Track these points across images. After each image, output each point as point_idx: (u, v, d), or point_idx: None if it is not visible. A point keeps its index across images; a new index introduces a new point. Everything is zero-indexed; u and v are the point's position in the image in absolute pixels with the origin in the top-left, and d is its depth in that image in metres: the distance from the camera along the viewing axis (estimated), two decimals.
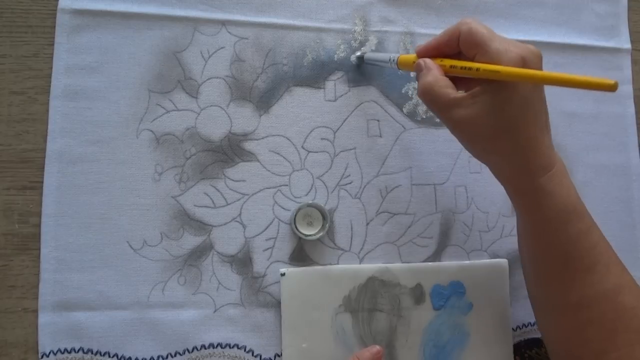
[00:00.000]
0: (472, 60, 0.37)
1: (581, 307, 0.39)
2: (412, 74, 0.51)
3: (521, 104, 0.36)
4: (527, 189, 0.38)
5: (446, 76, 0.38)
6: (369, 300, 0.47)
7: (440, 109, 0.38)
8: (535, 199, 0.38)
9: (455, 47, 0.38)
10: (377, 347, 0.42)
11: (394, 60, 0.44)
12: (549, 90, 0.38)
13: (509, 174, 0.39)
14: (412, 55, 0.42)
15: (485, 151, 0.39)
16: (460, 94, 0.37)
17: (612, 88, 0.30)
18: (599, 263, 0.38)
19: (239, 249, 0.46)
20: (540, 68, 0.37)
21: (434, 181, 0.50)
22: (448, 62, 0.38)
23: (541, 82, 0.33)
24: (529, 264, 0.43)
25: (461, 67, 0.37)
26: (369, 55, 0.48)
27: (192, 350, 0.45)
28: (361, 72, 0.50)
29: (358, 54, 0.49)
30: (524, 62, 0.34)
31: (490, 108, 0.35)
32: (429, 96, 0.38)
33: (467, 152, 0.51)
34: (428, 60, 0.39)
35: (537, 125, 0.37)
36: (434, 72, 0.38)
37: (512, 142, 0.36)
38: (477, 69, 0.35)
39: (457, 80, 0.38)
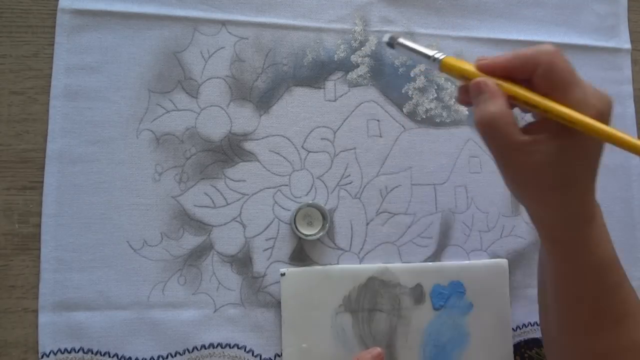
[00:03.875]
0: (547, 95, 0.33)
1: (607, 357, 0.38)
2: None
3: (586, 158, 0.33)
4: (568, 239, 0.36)
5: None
6: (369, 300, 0.47)
7: (498, 148, 0.34)
8: (574, 249, 0.36)
9: (526, 75, 0.33)
10: (377, 349, 0.42)
11: (437, 59, 0.37)
12: None
13: (552, 223, 0.36)
14: (465, 63, 0.36)
15: (533, 198, 0.36)
16: (524, 137, 0.33)
17: None
18: (629, 315, 0.37)
19: (239, 249, 0.46)
20: (610, 119, 0.33)
21: (434, 181, 0.50)
22: (518, 91, 0.33)
23: (621, 145, 0.30)
24: (553, 310, 0.41)
25: (531, 104, 0.32)
26: (404, 41, 0.40)
27: (192, 350, 0.45)
28: (361, 72, 0.50)
29: (389, 35, 0.40)
30: (601, 118, 0.31)
31: (554, 159, 0.32)
32: (488, 130, 0.33)
33: (467, 152, 0.51)
34: (492, 83, 0.33)
35: (593, 178, 0.34)
36: (500, 101, 0.33)
37: (566, 195, 0.34)
38: (550, 111, 0.32)
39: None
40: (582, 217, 0.35)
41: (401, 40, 0.40)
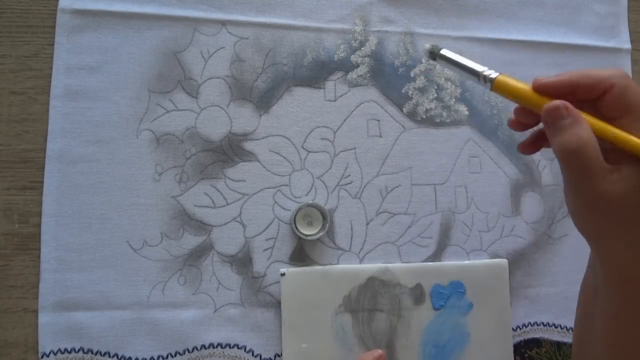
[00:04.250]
0: (615, 119, 0.32)
1: None
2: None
3: None
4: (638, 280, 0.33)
5: None
6: (369, 300, 0.47)
7: (582, 176, 0.32)
8: None
9: (593, 96, 0.32)
10: (379, 351, 0.42)
11: (489, 79, 0.34)
12: None
13: (628, 261, 0.34)
14: (523, 85, 0.33)
15: (609, 232, 0.33)
16: (607, 165, 0.31)
17: None
18: None
19: (239, 249, 0.46)
20: None
21: (434, 181, 0.50)
22: (595, 122, 0.32)
23: None
24: (601, 347, 0.39)
25: (608, 137, 0.31)
26: (450, 54, 0.36)
27: (192, 350, 0.45)
28: (361, 72, 0.50)
29: (430, 45, 0.37)
30: None
31: (638, 190, 0.31)
32: (575, 157, 0.31)
33: (467, 152, 0.51)
34: (575, 110, 0.31)
35: None
36: (586, 126, 0.31)
37: None
38: (627, 146, 0.30)
39: None
40: None
41: (445, 52, 0.36)
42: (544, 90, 0.33)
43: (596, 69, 0.33)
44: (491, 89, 0.34)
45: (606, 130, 0.31)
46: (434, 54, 0.36)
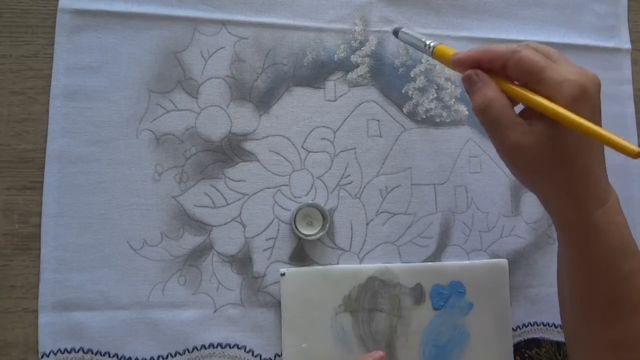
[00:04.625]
0: (526, 86, 0.35)
1: (623, 347, 0.37)
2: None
3: (578, 136, 0.34)
4: (578, 223, 0.36)
5: None
6: (369, 300, 0.47)
7: (495, 129, 0.36)
8: (586, 234, 0.36)
9: (497, 70, 0.36)
10: (379, 353, 0.42)
11: (429, 47, 0.42)
12: None
13: (560, 207, 0.37)
14: (453, 50, 0.40)
15: (537, 180, 0.37)
16: (518, 118, 0.35)
17: (633, 154, 0.30)
18: None
19: (239, 249, 0.46)
20: (599, 98, 0.35)
21: (434, 181, 0.50)
22: (503, 84, 0.36)
23: (589, 134, 0.31)
24: (570, 300, 0.41)
25: (516, 93, 0.35)
26: (406, 31, 0.46)
27: (192, 350, 0.45)
28: (361, 72, 0.50)
29: (395, 26, 0.49)
30: (583, 92, 0.33)
31: (547, 138, 0.34)
32: (485, 112, 0.35)
33: (466, 151, 0.51)
34: (483, 75, 0.36)
35: (593, 157, 0.35)
36: (494, 86, 0.36)
37: (567, 174, 0.35)
38: (529, 100, 0.34)
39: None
40: (591, 200, 0.36)
41: (404, 29, 0.46)
42: (458, 62, 0.38)
43: (500, 45, 0.36)
44: (432, 56, 0.42)
45: (513, 91, 0.35)
46: (396, 32, 0.48)
